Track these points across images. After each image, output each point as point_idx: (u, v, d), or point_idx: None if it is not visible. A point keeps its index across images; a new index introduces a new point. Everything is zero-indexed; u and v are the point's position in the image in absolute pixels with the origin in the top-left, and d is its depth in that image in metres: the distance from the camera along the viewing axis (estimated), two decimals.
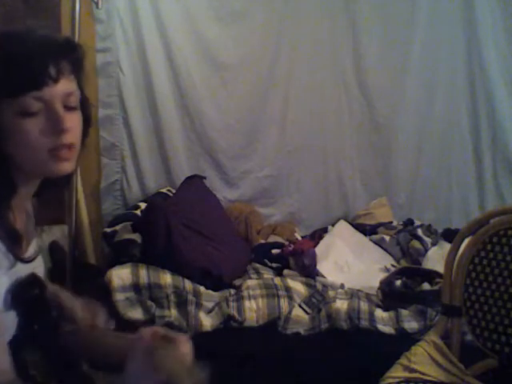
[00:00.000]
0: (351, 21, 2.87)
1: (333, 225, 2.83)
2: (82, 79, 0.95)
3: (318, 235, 2.73)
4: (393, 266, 2.45)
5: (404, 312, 1.97)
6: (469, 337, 1.52)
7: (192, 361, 0.92)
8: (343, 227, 2.77)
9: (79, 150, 0.94)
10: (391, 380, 1.38)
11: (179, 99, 2.72)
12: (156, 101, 2.67)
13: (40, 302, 1.01)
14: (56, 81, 0.87)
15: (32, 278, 0.98)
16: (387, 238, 2.65)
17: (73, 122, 0.90)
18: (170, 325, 1.87)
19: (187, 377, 0.86)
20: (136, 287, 1.94)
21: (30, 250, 0.99)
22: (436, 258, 2.35)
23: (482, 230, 1.48)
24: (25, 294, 0.95)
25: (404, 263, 2.49)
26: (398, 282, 2.16)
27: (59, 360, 0.95)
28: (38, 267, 1.04)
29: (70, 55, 0.91)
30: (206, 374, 0.88)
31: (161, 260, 2.04)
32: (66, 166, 0.91)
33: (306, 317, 1.98)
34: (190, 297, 1.97)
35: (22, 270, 0.95)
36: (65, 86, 0.89)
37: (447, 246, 2.13)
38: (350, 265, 2.45)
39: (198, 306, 1.97)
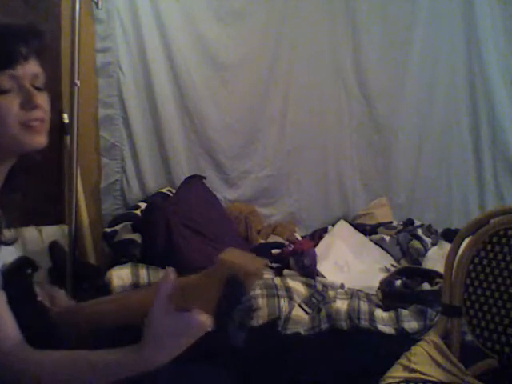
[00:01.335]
0: (351, 21, 2.88)
1: (333, 225, 2.82)
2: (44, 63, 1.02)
3: (317, 235, 2.73)
4: (393, 265, 2.45)
5: (404, 312, 1.97)
6: (469, 337, 1.52)
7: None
8: (343, 227, 2.77)
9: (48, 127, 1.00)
10: (391, 380, 1.38)
11: (179, 99, 2.72)
12: (156, 101, 2.67)
13: (28, 285, 1.02)
14: (26, 59, 0.94)
15: (24, 260, 1.01)
16: (387, 238, 2.65)
17: (42, 100, 0.97)
18: None
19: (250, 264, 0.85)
20: (136, 287, 1.94)
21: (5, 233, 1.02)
22: (436, 258, 2.35)
23: (481, 230, 1.48)
24: (17, 275, 0.96)
25: (404, 263, 2.49)
26: (398, 282, 2.16)
27: (49, 343, 0.95)
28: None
29: (35, 38, 0.97)
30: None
31: (161, 260, 2.04)
32: (39, 139, 0.97)
33: (306, 317, 1.98)
34: None
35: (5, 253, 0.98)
36: (33, 67, 0.96)
37: (447, 246, 2.13)
38: (350, 265, 2.44)
39: None
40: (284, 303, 1.99)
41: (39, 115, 0.96)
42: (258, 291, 2.02)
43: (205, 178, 2.62)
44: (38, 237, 2.35)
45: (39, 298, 1.08)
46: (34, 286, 1.07)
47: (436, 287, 2.07)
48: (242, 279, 0.83)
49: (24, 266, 1.02)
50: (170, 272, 0.87)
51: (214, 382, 1.15)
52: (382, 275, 2.25)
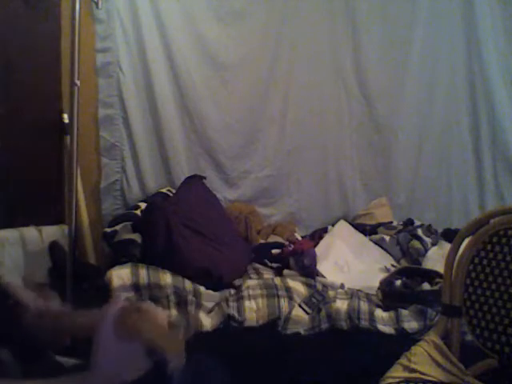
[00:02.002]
0: (351, 21, 2.88)
1: (333, 225, 2.83)
2: None
3: (317, 235, 2.73)
4: (393, 265, 2.45)
5: (404, 312, 1.97)
6: (469, 337, 1.52)
7: (169, 328, 0.89)
8: (343, 227, 2.77)
9: None
10: (391, 380, 1.38)
11: (179, 99, 2.72)
12: (156, 101, 2.67)
13: None
14: None
15: None
16: (387, 238, 2.65)
17: None
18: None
19: (165, 341, 0.85)
20: (136, 287, 1.94)
21: None
22: (436, 258, 2.35)
23: (481, 230, 1.48)
24: None
25: (404, 263, 2.49)
26: (398, 282, 2.16)
27: (25, 350, 0.93)
28: None
29: None
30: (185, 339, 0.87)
31: (161, 260, 2.04)
32: None
33: (306, 317, 1.98)
34: (190, 297, 1.97)
35: None
36: None
37: (447, 246, 2.13)
38: (350, 265, 2.45)
39: (198, 306, 1.97)
40: (284, 303, 1.99)
41: None
42: (257, 291, 2.02)
43: (205, 178, 2.62)
44: (38, 237, 2.35)
45: (11, 302, 1.06)
46: (3, 291, 1.04)
47: (436, 287, 2.07)
48: (163, 357, 0.83)
49: None
50: (118, 299, 0.86)
51: (213, 382, 1.15)
52: (382, 275, 2.25)
